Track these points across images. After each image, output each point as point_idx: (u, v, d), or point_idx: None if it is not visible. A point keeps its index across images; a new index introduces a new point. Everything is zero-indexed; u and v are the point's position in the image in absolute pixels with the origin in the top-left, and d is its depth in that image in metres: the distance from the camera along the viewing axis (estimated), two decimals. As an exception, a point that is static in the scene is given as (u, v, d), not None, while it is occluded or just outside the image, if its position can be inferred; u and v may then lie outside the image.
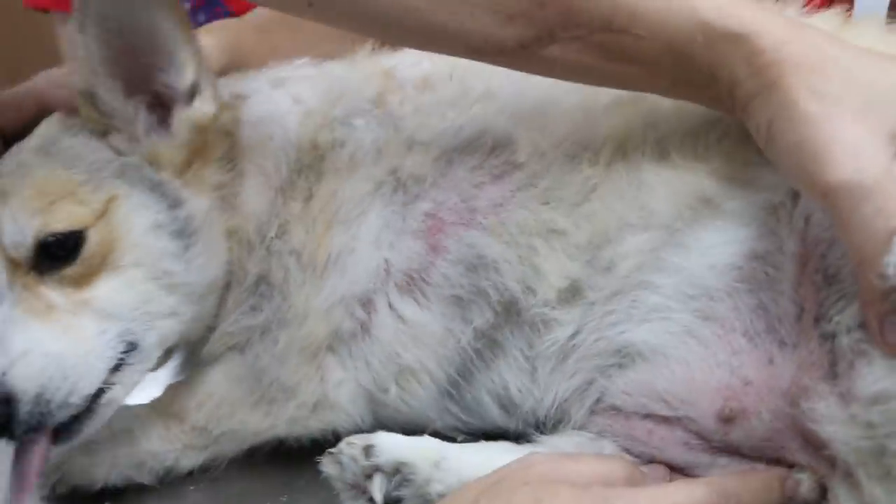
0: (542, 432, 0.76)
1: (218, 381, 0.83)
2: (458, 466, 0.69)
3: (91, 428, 0.76)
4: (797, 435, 0.63)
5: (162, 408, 0.83)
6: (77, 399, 0.74)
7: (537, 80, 0.76)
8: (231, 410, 0.82)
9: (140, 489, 0.81)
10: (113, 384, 0.77)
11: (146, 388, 0.85)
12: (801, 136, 0.59)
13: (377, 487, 0.69)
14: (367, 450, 0.70)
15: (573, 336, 0.74)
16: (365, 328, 0.81)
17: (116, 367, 0.77)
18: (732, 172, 0.70)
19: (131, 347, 0.78)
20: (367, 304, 0.81)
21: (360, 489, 0.70)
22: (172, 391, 0.85)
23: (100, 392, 0.76)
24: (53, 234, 0.76)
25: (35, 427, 0.72)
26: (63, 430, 0.75)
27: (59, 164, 0.79)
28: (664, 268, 0.71)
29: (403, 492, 0.69)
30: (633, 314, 0.71)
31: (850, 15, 0.78)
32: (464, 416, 0.80)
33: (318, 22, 0.74)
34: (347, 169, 0.83)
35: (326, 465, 0.72)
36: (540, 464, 0.64)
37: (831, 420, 0.59)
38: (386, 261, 0.80)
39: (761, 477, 0.63)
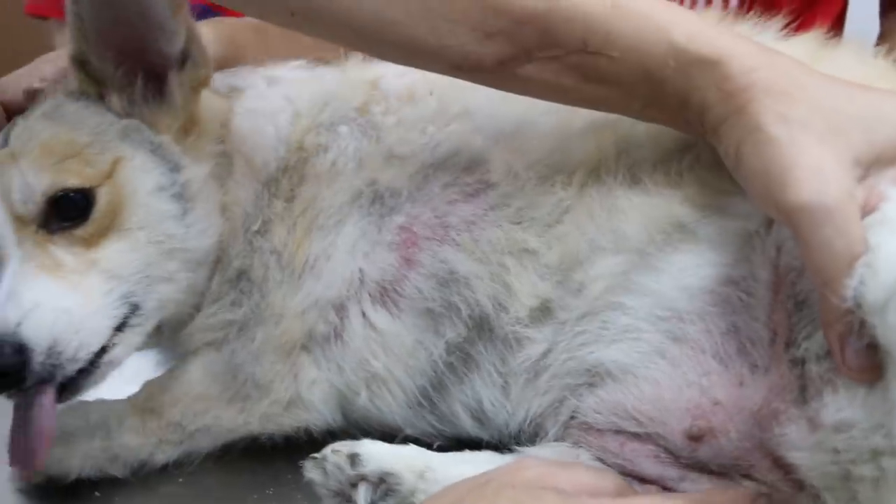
0: (518, 443, 0.77)
1: (194, 378, 0.84)
2: (443, 477, 0.70)
3: (92, 385, 0.78)
4: (766, 455, 0.64)
5: (138, 403, 0.84)
6: (86, 353, 0.76)
7: (514, 101, 0.76)
8: (206, 406, 0.83)
9: (125, 480, 0.82)
10: (115, 343, 0.79)
11: (124, 385, 0.86)
12: (766, 159, 0.61)
13: (362, 497, 0.70)
14: (353, 458, 0.71)
15: (545, 354, 0.75)
16: (337, 333, 0.82)
17: (119, 328, 0.79)
18: (706, 200, 0.71)
19: (134, 309, 0.80)
20: (340, 309, 0.82)
21: (345, 497, 0.71)
22: (149, 387, 0.86)
23: (103, 350, 0.78)
24: (64, 190, 0.78)
25: (45, 379, 0.74)
26: (67, 387, 0.76)
27: (63, 128, 0.81)
28: (635, 290, 0.71)
29: (388, 501, 0.70)
30: (604, 335, 0.72)
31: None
32: (437, 424, 0.82)
33: (300, 32, 0.75)
34: (328, 175, 0.84)
35: (310, 470, 0.73)
36: (530, 468, 0.65)
37: (799, 445, 0.61)
38: (360, 270, 0.82)
39: (736, 495, 0.64)
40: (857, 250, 0.56)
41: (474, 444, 0.79)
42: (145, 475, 0.83)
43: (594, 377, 0.73)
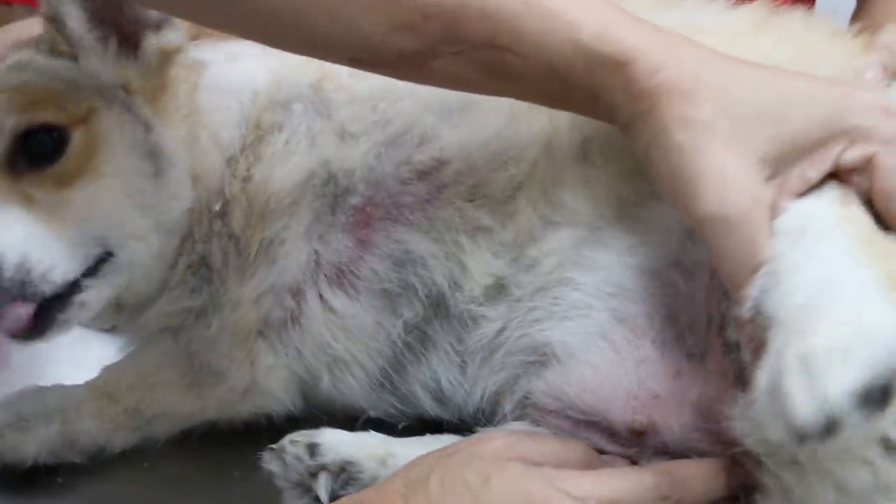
0: (479, 423, 0.77)
1: (150, 364, 0.85)
2: (404, 463, 0.68)
3: (62, 326, 0.77)
4: (715, 441, 0.64)
5: (96, 388, 0.85)
6: (57, 277, 0.75)
7: None
8: (162, 393, 0.84)
9: (88, 467, 0.83)
10: (88, 286, 0.78)
11: (85, 371, 0.87)
12: (672, 166, 0.60)
13: (323, 487, 0.70)
14: (312, 448, 0.71)
15: (500, 332, 0.75)
16: (294, 318, 0.82)
17: (91, 273, 0.78)
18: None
19: (106, 256, 0.79)
20: (297, 294, 0.82)
21: (305, 488, 0.71)
22: (107, 372, 0.86)
23: (75, 289, 0.77)
24: (37, 125, 0.76)
25: (17, 297, 0.73)
26: (40, 318, 0.75)
27: (37, 76, 0.80)
28: (585, 265, 0.71)
29: (350, 490, 0.70)
30: (555, 311, 0.72)
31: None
32: (399, 405, 0.82)
33: (199, 24, 0.74)
34: (282, 155, 0.83)
35: (269, 461, 0.73)
36: (496, 439, 0.65)
37: (739, 417, 0.59)
38: (316, 252, 0.81)
39: (708, 465, 0.64)
40: (761, 260, 0.56)
41: (437, 427, 0.80)
42: (109, 461, 0.83)
43: (543, 356, 0.72)
